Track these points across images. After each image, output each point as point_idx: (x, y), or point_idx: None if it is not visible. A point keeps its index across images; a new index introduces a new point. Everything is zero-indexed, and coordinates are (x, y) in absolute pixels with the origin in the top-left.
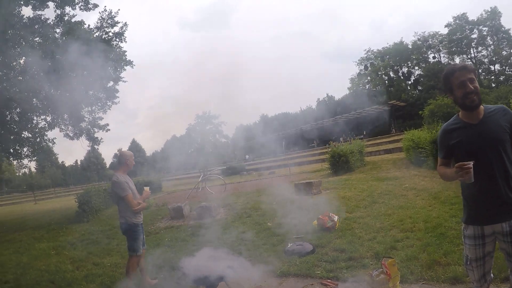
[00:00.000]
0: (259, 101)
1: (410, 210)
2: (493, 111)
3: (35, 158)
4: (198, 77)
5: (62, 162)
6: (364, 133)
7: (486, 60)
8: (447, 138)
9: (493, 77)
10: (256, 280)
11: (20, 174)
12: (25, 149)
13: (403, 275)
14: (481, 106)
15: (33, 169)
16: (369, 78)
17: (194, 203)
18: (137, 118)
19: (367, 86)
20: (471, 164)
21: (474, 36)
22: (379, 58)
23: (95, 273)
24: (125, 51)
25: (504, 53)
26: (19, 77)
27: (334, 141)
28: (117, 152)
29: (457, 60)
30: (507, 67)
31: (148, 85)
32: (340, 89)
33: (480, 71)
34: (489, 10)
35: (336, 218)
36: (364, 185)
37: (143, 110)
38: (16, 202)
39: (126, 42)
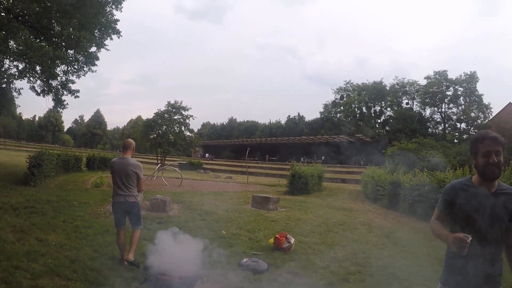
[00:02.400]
0: (231, 102)
1: (363, 245)
2: (505, 189)
3: None
4: (180, 64)
5: (20, 114)
6: (323, 159)
7: (454, 117)
8: (453, 195)
9: (457, 133)
10: None
11: None
12: None
13: None
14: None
15: None
16: (342, 108)
17: (147, 192)
18: (107, 88)
19: (338, 115)
20: (469, 239)
21: (449, 93)
22: (356, 92)
23: (38, 251)
24: (117, 20)
25: (472, 114)
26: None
27: (296, 160)
28: (126, 140)
29: (428, 111)
30: (472, 127)
31: (128, 60)
32: (312, 111)
33: (447, 125)
34: (468, 73)
35: (292, 240)
36: (320, 211)
37: (115, 83)
38: None
39: (121, 11)
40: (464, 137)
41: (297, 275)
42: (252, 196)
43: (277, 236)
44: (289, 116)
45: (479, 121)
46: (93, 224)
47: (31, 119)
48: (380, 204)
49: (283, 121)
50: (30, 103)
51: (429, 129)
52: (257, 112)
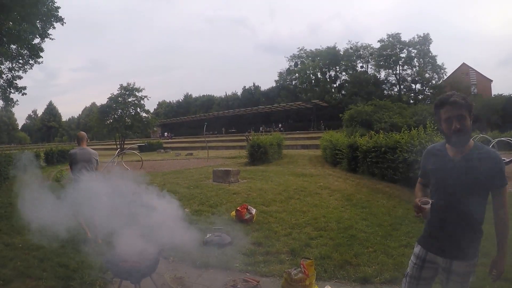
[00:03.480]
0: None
1: (324, 209)
2: (481, 153)
3: None
4: (130, 46)
5: None
6: (282, 126)
7: (409, 78)
8: (426, 161)
9: (412, 94)
10: (175, 271)
11: None
12: None
13: (317, 273)
14: (472, 141)
15: None
16: (297, 75)
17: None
18: (57, 79)
19: (293, 82)
20: (428, 206)
21: (403, 55)
22: (310, 58)
23: (6, 256)
24: (58, 7)
25: (426, 75)
26: None
27: (255, 131)
28: (79, 133)
29: (383, 73)
30: (427, 88)
31: (75, 46)
32: (267, 81)
33: (402, 87)
34: (422, 35)
35: (254, 211)
36: (281, 179)
37: (65, 72)
38: None
39: None
40: (420, 97)
41: (260, 245)
42: (212, 170)
43: (238, 208)
44: (245, 87)
45: (434, 82)
46: (55, 220)
47: None
48: (339, 168)
49: (239, 93)
50: None
51: (385, 91)
52: (213, 86)
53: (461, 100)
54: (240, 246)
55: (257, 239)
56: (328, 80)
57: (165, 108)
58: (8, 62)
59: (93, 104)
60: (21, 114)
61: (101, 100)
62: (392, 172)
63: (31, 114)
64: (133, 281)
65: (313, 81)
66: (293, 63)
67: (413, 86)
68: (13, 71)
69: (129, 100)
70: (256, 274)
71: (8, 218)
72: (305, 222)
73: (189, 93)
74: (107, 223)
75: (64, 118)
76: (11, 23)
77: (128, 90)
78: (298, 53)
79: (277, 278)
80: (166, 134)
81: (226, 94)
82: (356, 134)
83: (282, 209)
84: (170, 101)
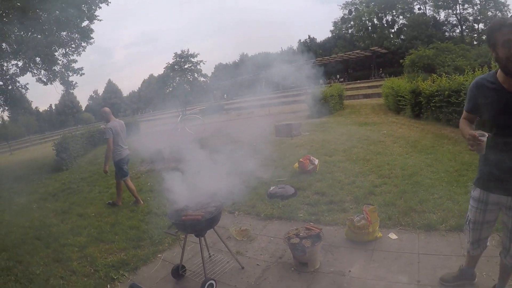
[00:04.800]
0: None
1: (388, 157)
2: None
3: (7, 107)
4: (177, 14)
5: (36, 108)
6: (343, 77)
7: (471, 18)
8: (478, 94)
9: (475, 35)
10: (240, 224)
11: None
12: None
13: (381, 220)
14: None
15: (5, 118)
16: (352, 23)
17: (173, 145)
18: (112, 57)
19: (349, 31)
20: (485, 138)
21: None
22: (364, 4)
23: (81, 225)
24: None
25: (489, 13)
26: None
27: (315, 84)
28: (104, 109)
29: (442, 14)
30: None
31: (124, 23)
32: (322, 32)
33: (464, 27)
34: None
35: (316, 161)
36: (343, 129)
37: (119, 49)
38: None
39: None
40: (483, 37)
41: (324, 195)
42: (274, 125)
43: (300, 159)
44: (300, 40)
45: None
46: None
47: (48, 109)
48: (403, 115)
49: (295, 47)
50: (43, 95)
51: (446, 33)
52: (268, 43)
53: None
54: (303, 196)
55: (321, 189)
56: (386, 25)
57: (222, 70)
58: (61, 49)
59: (151, 75)
60: (83, 97)
61: (158, 71)
62: (457, 116)
63: (93, 94)
64: (197, 234)
65: (369, 27)
66: (347, 11)
67: (476, 26)
68: (67, 56)
69: (185, 66)
70: (319, 223)
71: (80, 191)
72: (368, 170)
73: (245, 53)
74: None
75: (125, 93)
76: (57, 11)
77: (183, 57)
78: (351, 0)
79: (340, 226)
80: (225, 95)
81: (282, 49)
82: (418, 79)
83: (345, 158)
84: (226, 63)
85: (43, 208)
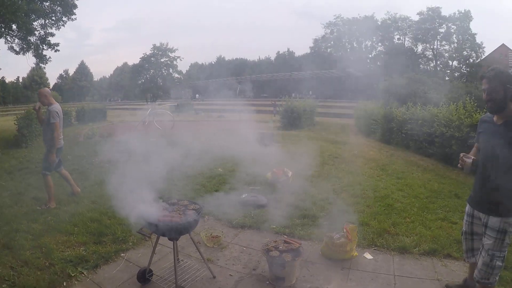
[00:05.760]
0: (218, 41)
1: (360, 177)
2: None
3: None
4: (161, 5)
5: (3, 77)
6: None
7: (446, 54)
8: (479, 127)
9: (448, 71)
10: (211, 229)
11: None
12: None
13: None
14: None
15: None
16: (332, 42)
17: (142, 138)
18: (88, 39)
19: (328, 50)
20: (469, 160)
21: (442, 30)
22: (346, 26)
23: (37, 210)
24: None
25: (464, 53)
26: None
27: (287, 96)
28: (46, 90)
29: (420, 47)
30: (464, 66)
31: (107, 7)
32: (302, 47)
33: (438, 62)
34: (462, 11)
35: (290, 173)
36: (314, 145)
37: (97, 32)
38: None
39: None
40: (456, 75)
41: (297, 208)
42: (246, 133)
43: (274, 170)
44: (279, 52)
45: (471, 60)
46: (89, 175)
47: (15, 81)
48: (373, 138)
49: (272, 58)
50: (12, 65)
51: (421, 66)
52: (246, 49)
53: (492, 75)
54: (276, 208)
55: (294, 202)
56: (364, 50)
57: (197, 70)
58: (40, 19)
59: (125, 64)
60: (52, 74)
61: (133, 60)
62: (427, 146)
63: (63, 73)
64: (171, 238)
65: (348, 50)
66: (329, 31)
67: (450, 62)
68: (45, 28)
69: (162, 60)
70: (293, 237)
71: (39, 173)
72: (341, 188)
73: (222, 56)
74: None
75: (96, 78)
76: None
77: (161, 50)
78: (334, 20)
79: (315, 242)
80: (197, 95)
81: (259, 58)
82: (392, 105)
83: (317, 173)
84: (202, 63)
85: None
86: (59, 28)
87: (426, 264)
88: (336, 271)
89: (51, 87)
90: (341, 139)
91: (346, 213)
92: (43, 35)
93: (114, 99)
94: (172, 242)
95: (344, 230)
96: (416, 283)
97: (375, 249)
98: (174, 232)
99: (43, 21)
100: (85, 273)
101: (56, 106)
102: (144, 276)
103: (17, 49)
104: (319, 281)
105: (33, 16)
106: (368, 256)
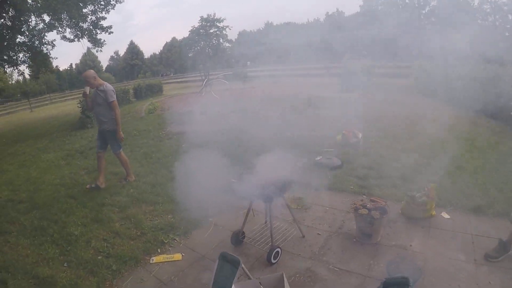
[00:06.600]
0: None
1: (427, 138)
2: None
3: (33, 64)
4: None
5: (57, 66)
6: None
7: (505, 8)
8: None
9: (508, 26)
10: (293, 191)
11: (13, 82)
12: (21, 55)
13: None
14: None
15: (26, 76)
16: None
17: (203, 108)
18: (134, 19)
19: (379, 7)
20: None
21: None
22: None
23: (117, 185)
24: None
25: None
26: None
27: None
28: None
29: (476, 1)
30: None
31: None
32: (351, 7)
33: (497, 17)
34: None
35: (360, 135)
36: (377, 106)
37: (142, 10)
38: (11, 112)
39: None
40: None
41: (371, 169)
42: (309, 97)
43: (344, 132)
44: (328, 13)
45: None
46: (160, 147)
47: (69, 68)
48: (434, 98)
49: (322, 19)
50: (63, 54)
51: (479, 21)
52: (294, 13)
53: None
54: (350, 169)
55: (367, 163)
56: (417, 5)
57: (246, 38)
58: (90, 5)
59: (174, 39)
60: (103, 57)
61: (181, 34)
62: (493, 108)
63: (113, 55)
64: (266, 199)
65: (400, 6)
66: None
67: (510, 16)
68: (96, 14)
69: (211, 31)
70: (371, 197)
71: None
72: (410, 149)
73: (270, 21)
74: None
75: (146, 55)
76: None
77: (209, 22)
78: None
79: (393, 202)
80: (248, 63)
81: (308, 21)
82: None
83: (384, 134)
84: (251, 30)
85: (72, 165)
86: (108, 12)
87: (501, 224)
88: (417, 229)
89: (104, 69)
90: (402, 99)
91: (419, 174)
92: (94, 20)
93: (166, 74)
94: (265, 204)
95: (426, 189)
96: (493, 242)
97: (451, 208)
98: (271, 193)
99: (92, 7)
100: (177, 239)
101: (110, 85)
102: (238, 238)
103: (72, 37)
104: (402, 238)
105: (82, 4)
106: (445, 215)
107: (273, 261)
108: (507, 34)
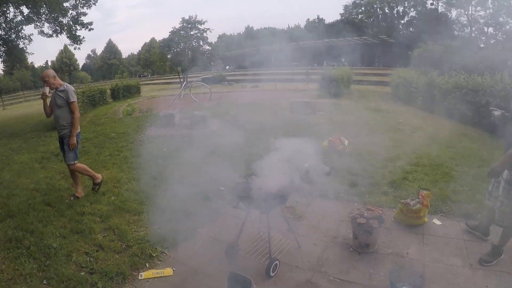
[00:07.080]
0: (245, 12)
1: (411, 145)
2: None
3: (8, 59)
4: None
5: (32, 63)
6: (346, 61)
7: (482, 20)
8: None
9: (484, 38)
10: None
11: None
12: None
13: None
14: None
15: (0, 71)
16: (363, 8)
17: (184, 111)
18: (114, 17)
19: (359, 17)
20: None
21: None
22: None
23: (97, 191)
24: None
25: (500, 19)
26: None
27: (318, 64)
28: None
29: (454, 13)
30: (500, 33)
31: None
32: (331, 14)
33: (473, 29)
34: None
35: (346, 142)
36: (358, 113)
37: (122, 9)
38: None
39: None
40: (492, 41)
41: (360, 176)
42: (289, 102)
43: (330, 138)
44: (308, 19)
45: (507, 27)
46: (140, 151)
47: (44, 65)
48: (414, 106)
49: (302, 25)
50: (39, 50)
51: (455, 32)
52: (275, 18)
53: None
54: (339, 176)
55: (355, 170)
56: (396, 16)
57: (225, 41)
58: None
59: (153, 39)
60: (80, 55)
61: (161, 35)
62: (472, 116)
63: (91, 53)
64: (264, 210)
65: (380, 16)
66: None
67: (486, 29)
68: (77, 8)
69: (192, 33)
70: (363, 205)
71: (87, 152)
72: (396, 156)
73: (250, 26)
74: None
75: (124, 55)
76: None
77: (191, 23)
78: None
79: (385, 209)
80: (227, 67)
81: (288, 26)
82: (433, 73)
83: (369, 142)
84: (230, 34)
85: (48, 169)
86: (90, 7)
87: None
88: (411, 236)
89: (80, 68)
90: (382, 107)
91: (407, 180)
92: (75, 16)
93: (144, 75)
94: (261, 215)
95: (420, 196)
96: (485, 247)
97: (441, 215)
98: (266, 205)
99: (74, 1)
100: (166, 252)
101: (70, 85)
102: (232, 250)
103: (50, 32)
104: (398, 246)
105: None
106: (437, 222)
107: (272, 274)
108: (482, 45)
